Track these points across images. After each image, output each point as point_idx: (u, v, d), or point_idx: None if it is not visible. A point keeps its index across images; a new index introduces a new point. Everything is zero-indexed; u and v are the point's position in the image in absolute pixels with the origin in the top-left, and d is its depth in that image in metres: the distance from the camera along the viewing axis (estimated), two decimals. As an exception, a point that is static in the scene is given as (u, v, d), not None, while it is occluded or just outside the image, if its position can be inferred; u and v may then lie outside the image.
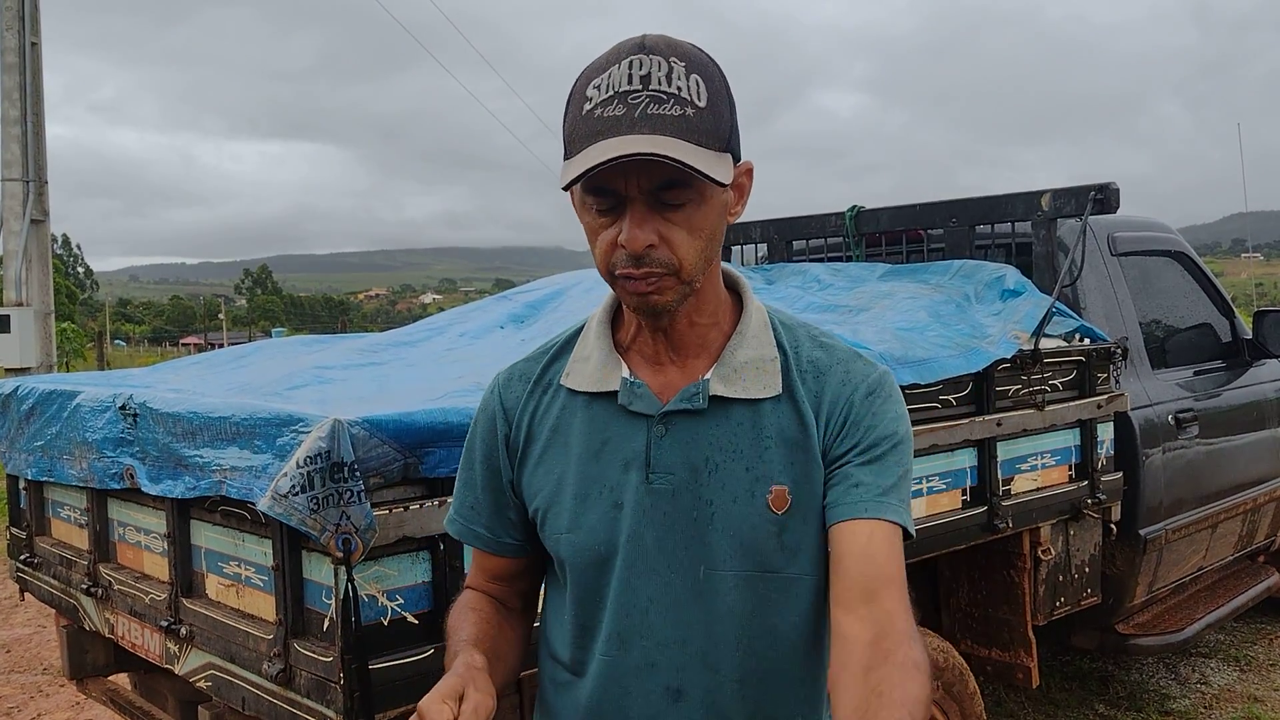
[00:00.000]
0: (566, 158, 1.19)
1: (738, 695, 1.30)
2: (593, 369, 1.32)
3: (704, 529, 1.27)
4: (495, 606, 1.41)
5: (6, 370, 9.81)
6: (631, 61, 1.15)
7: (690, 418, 1.28)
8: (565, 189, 1.20)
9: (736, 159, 1.23)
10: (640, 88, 1.14)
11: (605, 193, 1.18)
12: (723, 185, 1.18)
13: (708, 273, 1.26)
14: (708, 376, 1.29)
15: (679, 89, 1.15)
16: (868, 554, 1.21)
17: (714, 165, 1.16)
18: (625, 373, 1.30)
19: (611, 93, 1.15)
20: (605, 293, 1.37)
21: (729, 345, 1.31)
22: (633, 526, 1.28)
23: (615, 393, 1.30)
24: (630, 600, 1.29)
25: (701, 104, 1.16)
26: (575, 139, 1.17)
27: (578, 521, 1.29)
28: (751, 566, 1.27)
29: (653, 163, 1.13)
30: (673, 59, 1.16)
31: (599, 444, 1.30)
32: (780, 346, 1.33)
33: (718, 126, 1.18)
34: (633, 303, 1.25)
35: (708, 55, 1.20)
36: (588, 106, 1.16)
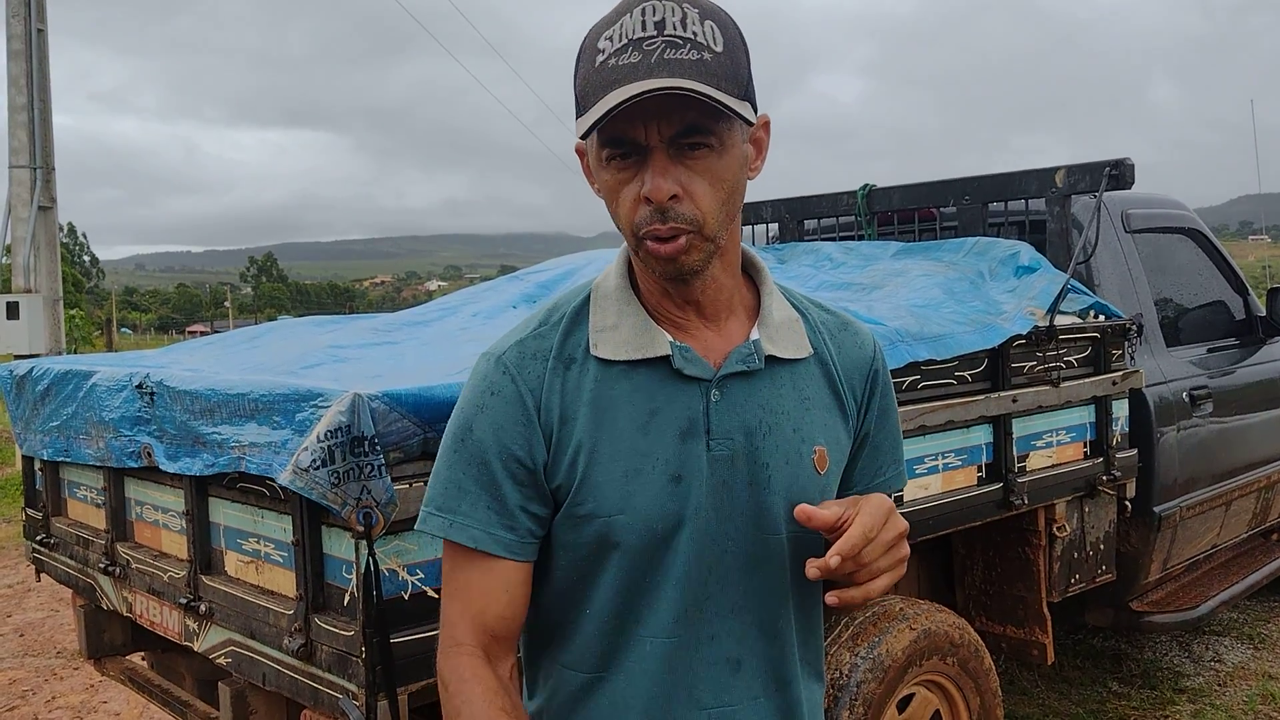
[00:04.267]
0: (580, 115, 1.14)
1: (792, 659, 1.29)
2: (626, 336, 1.23)
3: (760, 493, 1.24)
4: (517, 700, 1.22)
5: (15, 357, 9.85)
6: (645, 8, 1.11)
7: (743, 380, 1.24)
8: (583, 137, 1.16)
9: (754, 110, 1.18)
10: (655, 33, 1.10)
11: (624, 143, 1.13)
12: (749, 123, 1.16)
13: (730, 231, 1.21)
14: (756, 337, 1.26)
15: (694, 33, 1.11)
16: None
17: (735, 106, 1.12)
18: (669, 336, 1.23)
19: (625, 41, 1.11)
20: None
21: (763, 305, 1.29)
22: (698, 497, 1.22)
23: (658, 359, 1.23)
24: (696, 572, 1.23)
25: (718, 48, 1.12)
26: (589, 92, 1.12)
27: (630, 500, 1.20)
28: (801, 528, 1.24)
29: (674, 108, 1.10)
30: (685, 5, 1.12)
31: (646, 414, 1.22)
32: (795, 307, 1.33)
33: (736, 72, 1.13)
34: (660, 269, 1.18)
35: (721, 8, 1.16)
36: (600, 58, 1.12)
